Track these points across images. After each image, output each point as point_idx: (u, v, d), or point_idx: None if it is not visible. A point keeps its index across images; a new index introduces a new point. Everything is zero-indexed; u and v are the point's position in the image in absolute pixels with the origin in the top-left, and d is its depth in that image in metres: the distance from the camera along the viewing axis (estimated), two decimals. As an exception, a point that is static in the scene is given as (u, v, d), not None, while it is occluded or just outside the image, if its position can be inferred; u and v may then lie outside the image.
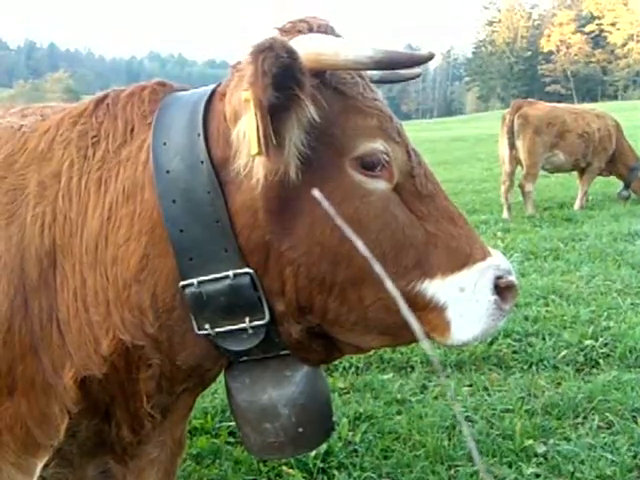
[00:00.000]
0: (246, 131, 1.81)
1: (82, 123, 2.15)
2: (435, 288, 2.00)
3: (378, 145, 1.97)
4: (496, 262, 2.06)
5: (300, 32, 2.00)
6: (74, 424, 2.12)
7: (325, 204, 1.17)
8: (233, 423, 4.75)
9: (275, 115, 1.76)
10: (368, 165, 1.95)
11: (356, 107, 1.98)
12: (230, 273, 1.94)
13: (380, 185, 1.97)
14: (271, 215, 1.90)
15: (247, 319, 2.00)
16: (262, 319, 1.99)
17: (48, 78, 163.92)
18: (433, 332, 2.03)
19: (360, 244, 1.01)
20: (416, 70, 2.40)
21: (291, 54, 1.73)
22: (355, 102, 1.99)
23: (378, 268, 1.01)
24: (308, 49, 1.83)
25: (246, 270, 1.94)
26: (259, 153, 1.77)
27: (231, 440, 4.66)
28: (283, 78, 1.73)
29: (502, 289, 2.02)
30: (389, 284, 0.95)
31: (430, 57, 1.93)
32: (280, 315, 2.02)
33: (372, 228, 1.93)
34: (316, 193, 1.27)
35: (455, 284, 2.00)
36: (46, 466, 2.19)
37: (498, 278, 2.03)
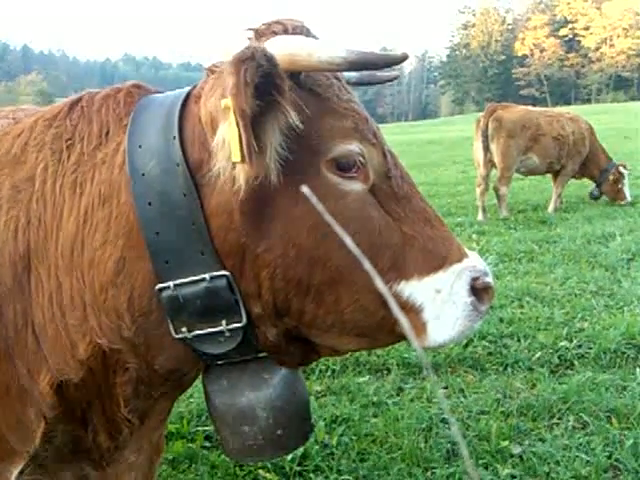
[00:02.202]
0: (226, 138, 1.79)
1: (56, 126, 2.12)
2: (411, 289, 1.99)
3: (353, 147, 1.96)
4: (472, 263, 2.06)
5: (275, 34, 1.99)
6: (50, 429, 2.09)
7: (314, 200, 1.16)
8: (209, 427, 4.75)
9: (255, 121, 1.75)
10: (343, 166, 1.95)
11: (331, 109, 1.98)
12: (206, 276, 1.93)
13: (356, 186, 1.96)
14: (246, 217, 1.90)
15: (224, 322, 1.99)
16: (239, 322, 1.98)
17: (21, 80, 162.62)
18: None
19: (348, 240, 1.01)
20: (393, 72, 2.42)
21: (271, 61, 1.73)
22: (330, 104, 1.99)
23: (368, 265, 1.00)
24: (282, 50, 1.83)
25: (222, 273, 1.93)
26: (242, 161, 1.76)
27: (207, 444, 4.65)
28: (264, 86, 1.73)
29: (479, 290, 2.02)
30: (378, 281, 0.95)
31: (403, 58, 1.94)
32: (257, 318, 2.01)
33: (349, 229, 1.92)
34: (305, 189, 1.26)
35: (431, 285, 2.00)
36: (21, 473, 2.16)
37: (474, 279, 2.02)
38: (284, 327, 2.05)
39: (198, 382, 2.35)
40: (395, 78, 2.48)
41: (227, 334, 2.01)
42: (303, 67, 1.87)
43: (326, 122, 1.96)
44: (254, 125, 1.75)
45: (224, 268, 1.94)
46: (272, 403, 2.14)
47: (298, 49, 1.84)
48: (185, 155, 1.93)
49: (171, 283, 1.93)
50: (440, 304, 1.99)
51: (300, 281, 1.95)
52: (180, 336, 2.00)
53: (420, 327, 2.00)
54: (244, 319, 1.98)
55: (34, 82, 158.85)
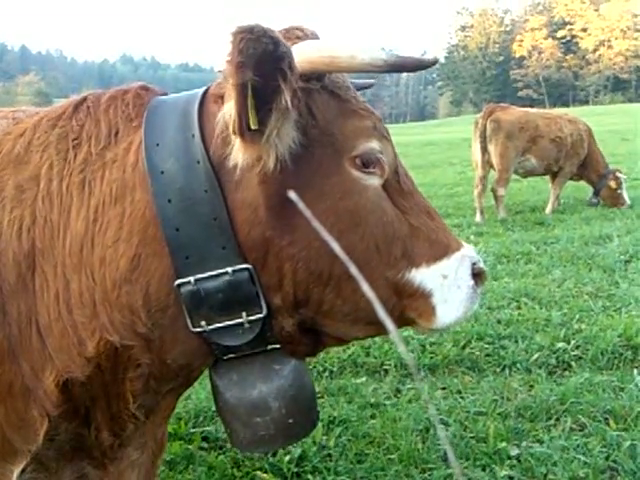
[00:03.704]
0: (228, 111, 1.88)
1: (61, 126, 2.13)
2: (422, 276, 2.13)
3: (375, 145, 2.09)
4: (469, 251, 2.23)
5: (299, 38, 2.08)
6: (53, 428, 2.09)
7: (301, 205, 1.19)
8: (206, 428, 4.75)
9: (263, 104, 1.81)
10: (365, 163, 2.06)
11: (352, 109, 2.09)
12: (229, 269, 1.97)
13: (374, 181, 2.08)
14: (272, 211, 1.95)
15: (244, 314, 2.03)
16: (259, 313, 2.03)
17: (19, 81, 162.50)
18: (420, 318, 2.17)
19: (335, 245, 1.04)
20: (369, 81, 2.59)
21: (276, 43, 1.76)
22: (350, 105, 2.10)
23: (354, 270, 1.03)
24: (322, 52, 1.92)
25: (245, 266, 1.98)
26: (233, 132, 1.84)
27: (205, 445, 4.65)
28: (267, 64, 1.76)
29: (474, 275, 2.20)
30: (364, 285, 0.96)
31: (435, 62, 2.08)
32: (276, 309, 2.06)
33: (369, 221, 2.04)
34: (292, 195, 1.29)
35: (438, 272, 2.15)
36: (22, 472, 2.16)
37: (473, 264, 2.20)
38: (300, 318, 2.11)
39: (195, 384, 2.36)
40: (370, 86, 2.63)
41: (246, 326, 2.05)
42: (342, 68, 1.96)
43: (349, 122, 2.07)
44: (261, 107, 1.81)
45: (246, 261, 1.98)
46: (284, 393, 2.18)
47: (340, 51, 1.92)
48: (207, 152, 1.98)
49: (192, 278, 1.97)
50: (447, 288, 2.16)
51: (321, 273, 2.02)
52: (198, 330, 2.03)
53: (430, 311, 2.15)
54: (264, 310, 2.03)
55: (32, 83, 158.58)
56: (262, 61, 1.75)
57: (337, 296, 2.07)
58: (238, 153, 1.89)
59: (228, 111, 1.88)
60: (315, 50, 1.92)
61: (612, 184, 14.22)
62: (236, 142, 1.88)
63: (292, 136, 1.93)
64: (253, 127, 1.82)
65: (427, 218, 2.20)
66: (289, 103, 1.83)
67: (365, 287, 0.99)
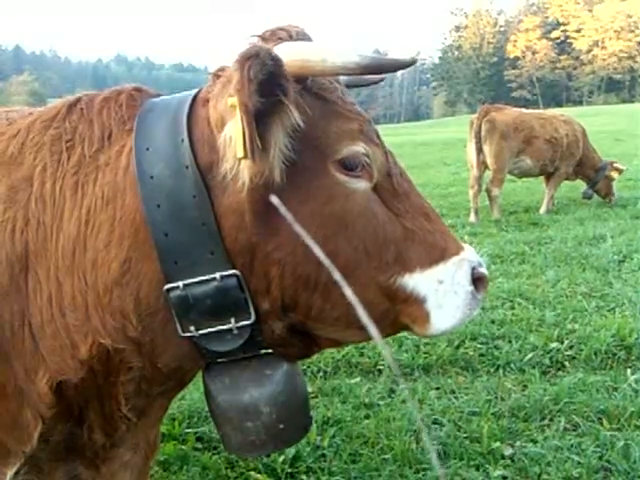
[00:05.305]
0: (232, 135, 1.85)
1: (55, 127, 2.13)
2: (415, 281, 2.08)
3: (360, 148, 2.05)
4: (469, 255, 2.17)
5: (281, 39, 2.05)
6: (47, 429, 2.09)
7: (282, 210, 1.19)
8: (200, 429, 4.75)
9: (260, 120, 1.80)
10: (350, 166, 2.02)
11: (337, 112, 2.06)
12: (217, 275, 1.97)
13: (361, 185, 2.04)
14: (257, 217, 1.94)
15: (233, 320, 2.03)
16: (248, 319, 2.03)
17: (13, 81, 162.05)
18: (413, 324, 2.13)
19: (318, 250, 1.04)
20: (381, 76, 2.48)
21: (276, 61, 1.77)
22: (336, 107, 2.06)
23: (338, 276, 1.03)
24: (294, 55, 1.89)
25: (233, 272, 1.97)
26: (245, 157, 1.81)
27: (199, 446, 4.65)
28: (268, 84, 1.77)
29: (475, 280, 2.14)
30: (346, 289, 0.96)
31: (413, 62, 2.03)
32: (265, 314, 2.05)
33: (357, 225, 2.01)
34: (274, 199, 1.29)
35: (434, 277, 2.10)
36: (16, 474, 2.16)
37: (472, 269, 2.14)
38: (289, 322, 2.10)
39: (189, 384, 2.36)
40: (381, 80, 2.55)
41: (235, 332, 2.05)
42: (316, 72, 1.94)
43: (333, 125, 2.04)
44: (259, 124, 1.79)
45: (234, 267, 1.98)
46: (275, 399, 2.17)
47: (311, 55, 1.90)
48: (195, 157, 1.97)
49: (180, 283, 1.97)
50: (443, 294, 2.10)
51: (308, 278, 2.01)
52: (187, 335, 2.03)
53: (424, 317, 2.11)
54: (253, 316, 2.03)
55: (26, 82, 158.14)
56: (266, 83, 1.76)
57: (325, 301, 2.05)
58: (244, 172, 1.87)
59: (229, 132, 1.87)
60: (289, 54, 1.89)
61: (613, 174, 14.35)
62: (243, 163, 1.86)
63: (285, 142, 1.91)
64: (260, 147, 1.81)
65: (424, 220, 2.15)
66: (297, 118, 1.85)
67: (347, 292, 0.99)
